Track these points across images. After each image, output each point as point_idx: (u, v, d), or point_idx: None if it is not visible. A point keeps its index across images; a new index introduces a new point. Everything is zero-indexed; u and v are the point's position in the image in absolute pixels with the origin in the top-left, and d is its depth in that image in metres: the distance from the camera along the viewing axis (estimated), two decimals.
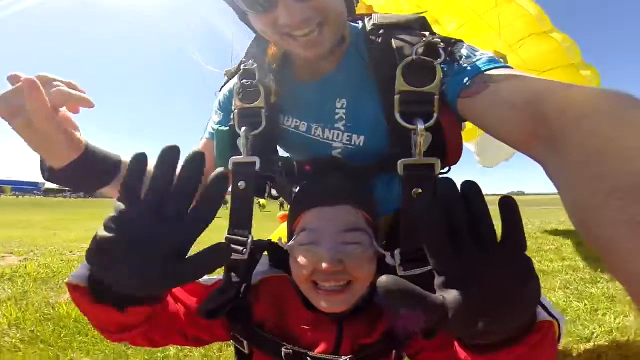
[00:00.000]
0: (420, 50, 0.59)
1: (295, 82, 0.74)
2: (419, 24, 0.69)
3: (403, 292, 0.35)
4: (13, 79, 0.51)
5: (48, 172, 0.60)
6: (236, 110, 0.71)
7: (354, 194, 0.60)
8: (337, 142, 0.72)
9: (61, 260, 3.87)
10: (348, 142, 0.72)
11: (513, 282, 0.35)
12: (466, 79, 0.57)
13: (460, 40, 0.63)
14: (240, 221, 0.66)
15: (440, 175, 0.61)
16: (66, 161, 0.58)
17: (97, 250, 0.35)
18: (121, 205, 0.35)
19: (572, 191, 0.35)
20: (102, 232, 0.34)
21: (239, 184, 0.66)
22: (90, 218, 11.65)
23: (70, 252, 4.56)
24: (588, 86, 0.42)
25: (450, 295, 0.35)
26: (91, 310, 0.44)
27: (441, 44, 0.60)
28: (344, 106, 0.71)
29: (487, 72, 0.56)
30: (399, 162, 0.56)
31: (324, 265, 0.53)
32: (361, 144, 0.71)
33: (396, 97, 0.58)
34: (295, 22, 0.57)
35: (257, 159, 0.66)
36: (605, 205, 0.29)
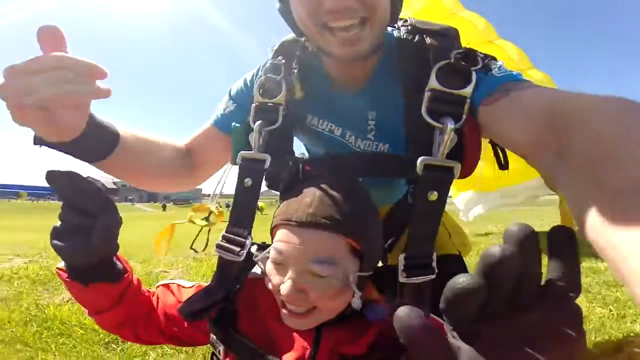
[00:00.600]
0: (459, 55, 0.59)
1: (329, 88, 0.73)
2: (453, 35, 0.67)
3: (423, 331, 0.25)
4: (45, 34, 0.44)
5: (40, 140, 0.53)
6: (254, 105, 0.69)
7: (339, 217, 0.51)
8: (368, 150, 0.74)
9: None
10: (375, 150, 0.73)
11: (553, 345, 0.25)
12: (491, 87, 0.56)
13: (495, 58, 0.62)
14: (241, 220, 0.63)
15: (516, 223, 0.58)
16: (70, 137, 0.51)
17: (52, 239, 0.51)
18: (62, 216, 0.52)
19: (576, 196, 0.35)
20: (55, 228, 0.52)
21: (245, 180, 0.63)
22: None
23: None
24: (596, 94, 0.43)
25: (465, 354, 0.25)
26: (71, 290, 0.58)
27: (480, 54, 0.60)
28: (374, 118, 0.72)
29: (511, 82, 0.56)
30: (419, 160, 0.53)
31: (282, 292, 0.50)
32: (385, 151, 0.73)
33: (427, 94, 0.56)
34: (339, 8, 0.55)
35: (267, 157, 0.63)
36: (608, 210, 0.29)
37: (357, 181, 0.60)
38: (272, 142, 0.66)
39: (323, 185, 0.54)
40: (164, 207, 41.62)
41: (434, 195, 0.53)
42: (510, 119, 0.52)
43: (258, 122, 0.65)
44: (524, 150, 0.51)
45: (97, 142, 0.58)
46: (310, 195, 0.53)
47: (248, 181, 0.63)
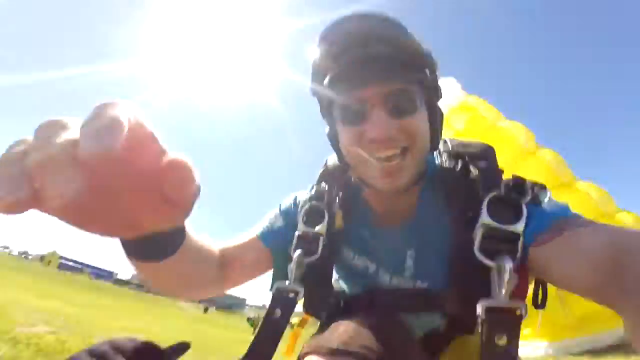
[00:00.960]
0: (509, 186, 0.58)
1: (368, 222, 0.73)
2: (492, 156, 0.66)
3: None
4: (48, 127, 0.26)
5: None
6: (297, 233, 0.70)
7: (375, 348, 0.49)
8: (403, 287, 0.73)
9: (81, 339, 3.38)
10: (411, 287, 0.71)
11: None
12: (542, 225, 0.55)
13: (545, 186, 0.61)
14: (262, 351, 0.61)
15: None
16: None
17: None
18: None
19: (632, 323, 0.40)
20: None
21: (275, 310, 0.64)
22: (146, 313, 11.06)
23: (98, 335, 4.05)
24: None
25: None
26: None
27: (529, 183, 0.59)
28: (413, 257, 0.70)
29: (563, 219, 0.55)
30: (481, 304, 0.50)
31: None
32: (422, 289, 0.71)
33: (479, 231, 0.54)
34: (382, 138, 0.56)
35: (301, 290, 0.65)
36: None
37: (397, 318, 0.60)
38: (310, 273, 0.67)
39: (360, 319, 0.54)
40: (206, 310, 40.30)
41: (502, 340, 0.49)
42: (568, 261, 0.51)
43: (298, 252, 0.66)
44: (584, 292, 0.50)
45: (172, 235, 0.51)
46: (345, 324, 0.54)
47: (277, 312, 0.64)
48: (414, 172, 0.62)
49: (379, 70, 0.55)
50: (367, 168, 0.61)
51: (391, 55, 0.55)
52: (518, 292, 0.54)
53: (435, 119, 0.63)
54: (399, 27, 0.57)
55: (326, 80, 0.59)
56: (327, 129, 0.67)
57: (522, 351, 0.52)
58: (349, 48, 0.55)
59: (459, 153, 0.66)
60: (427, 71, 0.60)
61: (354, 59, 0.56)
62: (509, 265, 0.50)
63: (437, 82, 0.63)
